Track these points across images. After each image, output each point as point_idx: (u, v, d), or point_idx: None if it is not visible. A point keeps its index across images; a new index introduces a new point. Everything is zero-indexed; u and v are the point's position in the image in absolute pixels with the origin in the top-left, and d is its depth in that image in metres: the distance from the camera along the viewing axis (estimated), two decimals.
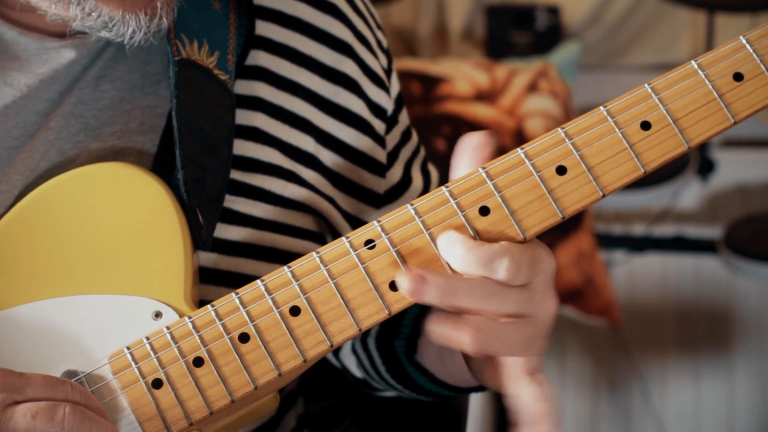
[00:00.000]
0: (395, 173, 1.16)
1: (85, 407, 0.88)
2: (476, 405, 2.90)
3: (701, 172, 2.82)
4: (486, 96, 2.63)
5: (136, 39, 0.99)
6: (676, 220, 2.97)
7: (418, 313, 1.09)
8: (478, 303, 0.90)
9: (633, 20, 3.07)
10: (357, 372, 1.20)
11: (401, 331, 1.10)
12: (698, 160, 2.80)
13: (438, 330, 0.92)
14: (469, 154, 0.94)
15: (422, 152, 1.21)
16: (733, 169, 2.96)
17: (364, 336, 1.16)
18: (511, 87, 2.64)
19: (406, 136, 1.18)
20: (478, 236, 0.93)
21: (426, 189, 1.19)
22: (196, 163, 1.00)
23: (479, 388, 1.07)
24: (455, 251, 0.91)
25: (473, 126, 2.58)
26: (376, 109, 1.13)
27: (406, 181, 1.17)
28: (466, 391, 1.09)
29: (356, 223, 1.13)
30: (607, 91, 2.96)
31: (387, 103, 1.14)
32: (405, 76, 2.62)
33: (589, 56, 3.05)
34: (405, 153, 1.17)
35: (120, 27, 0.98)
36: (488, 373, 0.97)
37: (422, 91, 2.63)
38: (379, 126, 1.13)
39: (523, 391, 0.93)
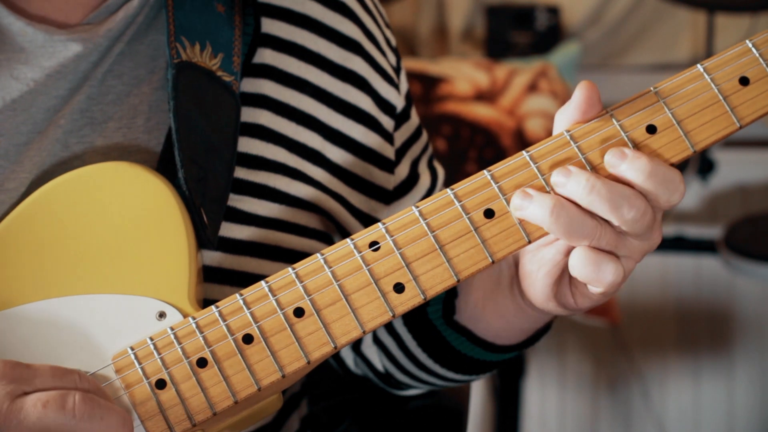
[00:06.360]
0: (402, 170, 1.16)
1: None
2: (476, 405, 2.90)
3: (701, 172, 2.81)
4: (486, 96, 2.63)
5: None
6: (676, 220, 2.97)
7: None
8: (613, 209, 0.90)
9: (633, 20, 3.07)
10: (379, 365, 1.18)
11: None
12: (698, 160, 2.80)
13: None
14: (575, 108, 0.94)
15: (430, 149, 1.21)
16: (733, 169, 2.96)
17: None
18: (511, 87, 2.64)
19: (416, 133, 1.18)
20: (479, 236, 0.93)
21: (433, 185, 1.19)
22: (196, 163, 1.00)
23: (523, 345, 1.06)
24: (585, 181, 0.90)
25: (473, 126, 2.58)
26: (385, 106, 1.13)
27: (413, 178, 1.16)
28: (506, 350, 1.08)
29: (368, 220, 1.13)
30: (607, 91, 2.94)
31: (397, 100, 1.15)
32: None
33: (589, 56, 3.05)
34: (414, 150, 1.17)
35: None
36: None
37: (422, 91, 2.63)
38: (387, 122, 1.13)
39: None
